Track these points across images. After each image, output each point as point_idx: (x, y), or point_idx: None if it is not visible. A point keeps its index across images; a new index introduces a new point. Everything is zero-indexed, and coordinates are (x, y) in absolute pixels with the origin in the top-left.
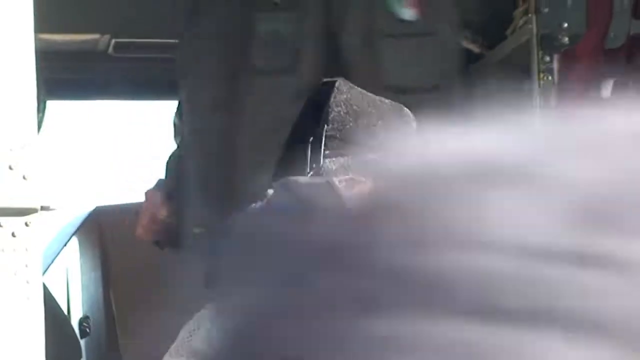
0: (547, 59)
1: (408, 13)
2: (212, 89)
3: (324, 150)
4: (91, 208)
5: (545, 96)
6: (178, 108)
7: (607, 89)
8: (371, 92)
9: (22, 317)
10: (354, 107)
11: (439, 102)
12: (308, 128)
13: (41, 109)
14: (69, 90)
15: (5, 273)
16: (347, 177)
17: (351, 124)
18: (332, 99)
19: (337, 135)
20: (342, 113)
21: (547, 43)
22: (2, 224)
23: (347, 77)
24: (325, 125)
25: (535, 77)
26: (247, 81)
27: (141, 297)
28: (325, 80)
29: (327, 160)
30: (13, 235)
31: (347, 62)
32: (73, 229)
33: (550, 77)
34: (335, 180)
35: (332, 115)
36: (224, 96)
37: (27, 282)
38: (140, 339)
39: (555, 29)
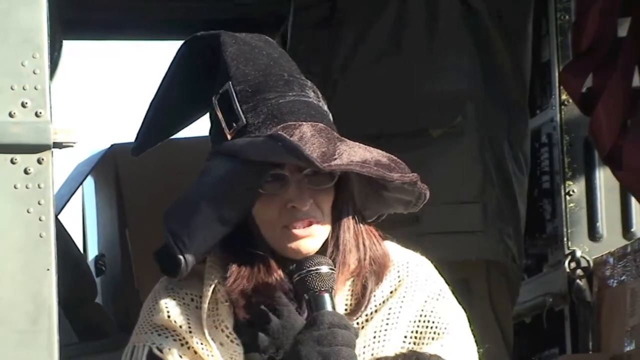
0: None
1: None
2: None
3: (240, 106)
4: (107, 146)
5: None
6: None
7: None
8: None
9: (36, 255)
10: None
11: None
12: (211, 87)
13: (57, 48)
14: (85, 29)
15: (18, 210)
16: (283, 125)
17: None
18: (223, 54)
19: (247, 88)
20: (240, 66)
21: None
22: (15, 161)
23: None
24: (230, 81)
25: None
26: None
27: (157, 235)
28: (195, 36)
29: (248, 115)
30: (26, 172)
31: None
32: (89, 167)
33: None
34: (280, 133)
35: (231, 70)
36: None
37: (41, 219)
38: (156, 277)
39: None
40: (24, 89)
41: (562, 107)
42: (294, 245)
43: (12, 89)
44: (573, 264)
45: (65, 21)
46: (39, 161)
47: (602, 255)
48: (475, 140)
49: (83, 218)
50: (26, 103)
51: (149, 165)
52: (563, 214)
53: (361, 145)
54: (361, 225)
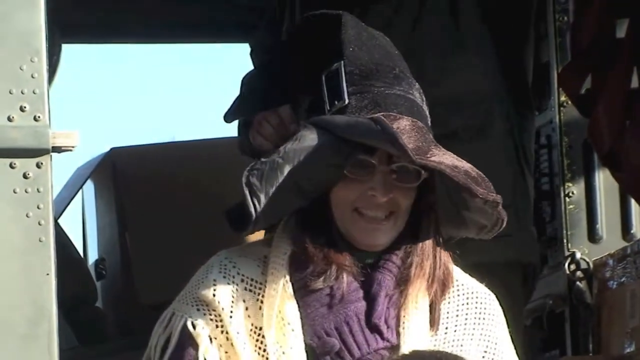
0: None
1: None
2: None
3: (347, 87)
4: (107, 149)
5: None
6: None
7: None
8: None
9: (36, 259)
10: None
11: None
12: (322, 62)
13: (56, 52)
14: (84, 33)
15: (18, 214)
16: (384, 113)
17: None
18: (342, 34)
19: (356, 71)
20: (356, 49)
21: None
22: (14, 165)
23: None
24: (342, 61)
25: None
26: None
27: (157, 238)
28: (320, 12)
29: (352, 98)
30: (25, 176)
31: None
32: (88, 171)
33: None
34: (381, 117)
35: (346, 51)
36: None
37: (40, 223)
38: (157, 281)
39: None
40: (22, 93)
41: (561, 108)
42: (363, 232)
43: (10, 93)
44: (573, 266)
45: (64, 24)
46: (38, 165)
47: (601, 257)
48: (504, 143)
49: (83, 222)
50: (25, 107)
51: (149, 169)
52: (562, 216)
53: (453, 154)
54: (439, 237)
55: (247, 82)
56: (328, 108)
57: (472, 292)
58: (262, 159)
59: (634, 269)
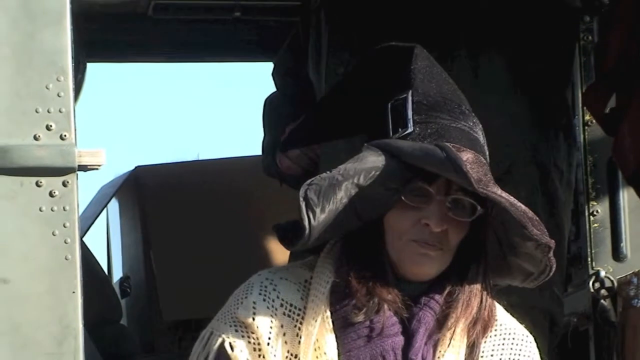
0: None
1: None
2: None
3: (413, 115)
4: (131, 168)
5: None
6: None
7: None
8: None
9: (62, 277)
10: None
11: None
12: (389, 91)
13: (81, 71)
14: (109, 52)
15: (44, 232)
16: (448, 143)
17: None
18: (413, 65)
19: (424, 102)
20: (425, 81)
21: None
22: (40, 184)
23: None
24: (410, 90)
25: None
26: None
27: (181, 256)
28: (390, 44)
29: (417, 127)
30: (51, 194)
31: None
32: (113, 189)
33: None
34: (447, 144)
35: (416, 82)
36: None
37: (66, 241)
38: (180, 298)
39: None
40: (48, 111)
41: (586, 127)
42: (415, 261)
43: (36, 112)
44: (597, 284)
45: (89, 43)
46: (64, 184)
47: (626, 275)
48: (524, 186)
49: (108, 240)
50: (51, 126)
51: (173, 187)
52: (587, 234)
53: (510, 195)
54: (488, 277)
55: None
56: (391, 135)
57: (510, 333)
58: (322, 175)
59: None
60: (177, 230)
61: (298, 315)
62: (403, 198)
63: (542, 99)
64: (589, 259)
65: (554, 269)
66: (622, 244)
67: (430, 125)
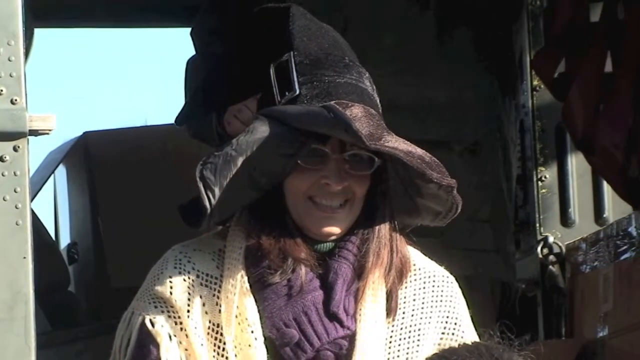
0: None
1: None
2: None
3: (297, 77)
4: (80, 134)
5: None
6: None
7: None
8: None
9: (12, 243)
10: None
11: None
12: (271, 54)
13: (29, 36)
14: (57, 17)
15: None
16: (336, 101)
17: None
18: (290, 26)
19: (306, 61)
20: (304, 39)
21: None
22: None
23: None
24: (292, 52)
25: None
26: None
27: (129, 222)
28: (266, 6)
29: (303, 87)
30: (2, 159)
31: None
32: (61, 155)
33: None
34: (333, 104)
35: (295, 42)
36: None
37: (17, 207)
38: (129, 265)
39: None
40: None
41: (534, 92)
42: (317, 221)
43: None
44: (545, 250)
45: (37, 8)
46: (15, 149)
47: (574, 241)
48: (491, 159)
49: (55, 206)
50: (1, 90)
51: (121, 153)
52: (535, 200)
53: (406, 141)
54: (394, 223)
55: (198, 84)
56: (279, 99)
57: (430, 276)
58: (215, 152)
59: (607, 253)
60: (125, 197)
61: (215, 284)
62: (299, 162)
63: (500, 66)
64: (537, 225)
65: (460, 207)
66: (570, 210)
67: (316, 84)
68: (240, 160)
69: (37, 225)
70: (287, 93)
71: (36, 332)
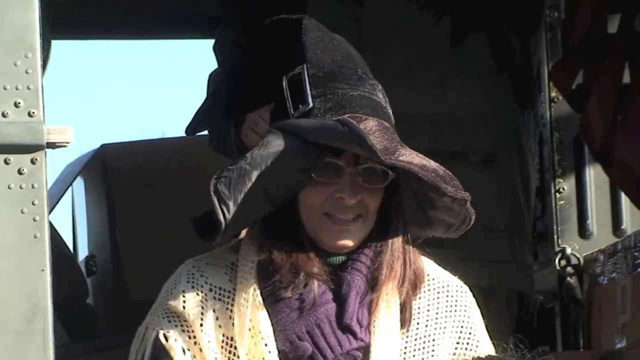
0: None
1: None
2: None
3: (310, 90)
4: (97, 146)
5: None
6: None
7: None
8: None
9: (31, 255)
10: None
11: None
12: (285, 67)
13: (46, 48)
14: (74, 29)
15: (12, 210)
16: (350, 114)
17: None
18: (303, 38)
19: (319, 74)
20: (317, 52)
21: None
22: (8, 161)
23: None
24: (305, 64)
25: None
26: None
27: (147, 234)
28: (282, 17)
29: (316, 100)
30: (20, 172)
31: None
32: (79, 167)
33: None
34: (347, 118)
35: (308, 54)
36: None
37: (35, 219)
38: (147, 277)
39: None
40: (16, 88)
41: (552, 104)
42: (332, 235)
43: (4, 89)
44: (563, 262)
45: (54, 20)
46: (33, 161)
47: (592, 253)
48: (508, 170)
49: (73, 218)
50: (19, 103)
51: (139, 166)
52: (553, 212)
53: (420, 154)
54: (407, 236)
55: (213, 94)
56: (292, 112)
57: (444, 286)
58: (229, 167)
59: (625, 265)
60: (142, 209)
61: (228, 297)
62: (314, 175)
63: (519, 77)
64: (555, 237)
65: (473, 219)
66: (588, 221)
67: (329, 97)
68: (254, 175)
69: (55, 237)
70: (300, 106)
71: (55, 344)
